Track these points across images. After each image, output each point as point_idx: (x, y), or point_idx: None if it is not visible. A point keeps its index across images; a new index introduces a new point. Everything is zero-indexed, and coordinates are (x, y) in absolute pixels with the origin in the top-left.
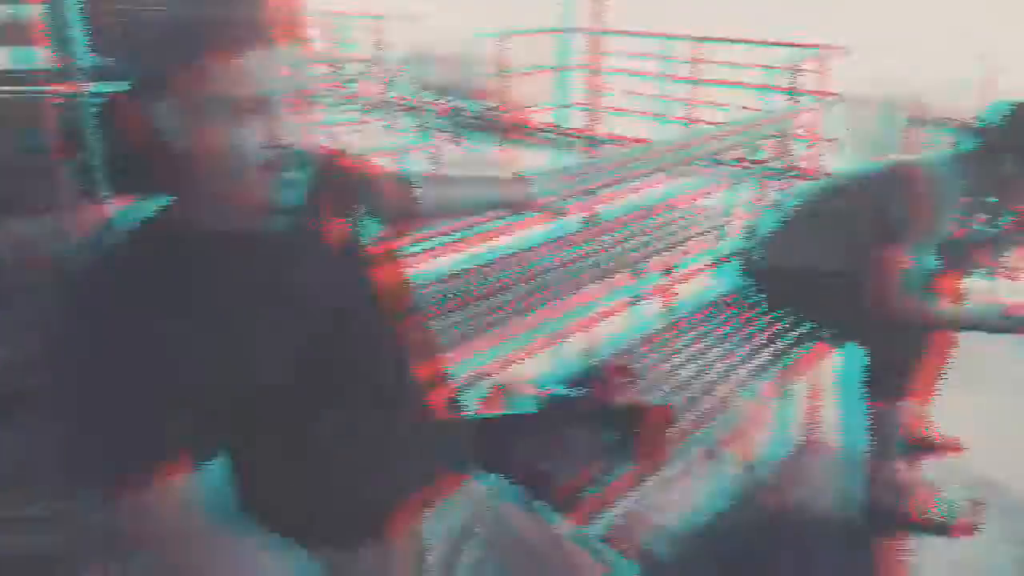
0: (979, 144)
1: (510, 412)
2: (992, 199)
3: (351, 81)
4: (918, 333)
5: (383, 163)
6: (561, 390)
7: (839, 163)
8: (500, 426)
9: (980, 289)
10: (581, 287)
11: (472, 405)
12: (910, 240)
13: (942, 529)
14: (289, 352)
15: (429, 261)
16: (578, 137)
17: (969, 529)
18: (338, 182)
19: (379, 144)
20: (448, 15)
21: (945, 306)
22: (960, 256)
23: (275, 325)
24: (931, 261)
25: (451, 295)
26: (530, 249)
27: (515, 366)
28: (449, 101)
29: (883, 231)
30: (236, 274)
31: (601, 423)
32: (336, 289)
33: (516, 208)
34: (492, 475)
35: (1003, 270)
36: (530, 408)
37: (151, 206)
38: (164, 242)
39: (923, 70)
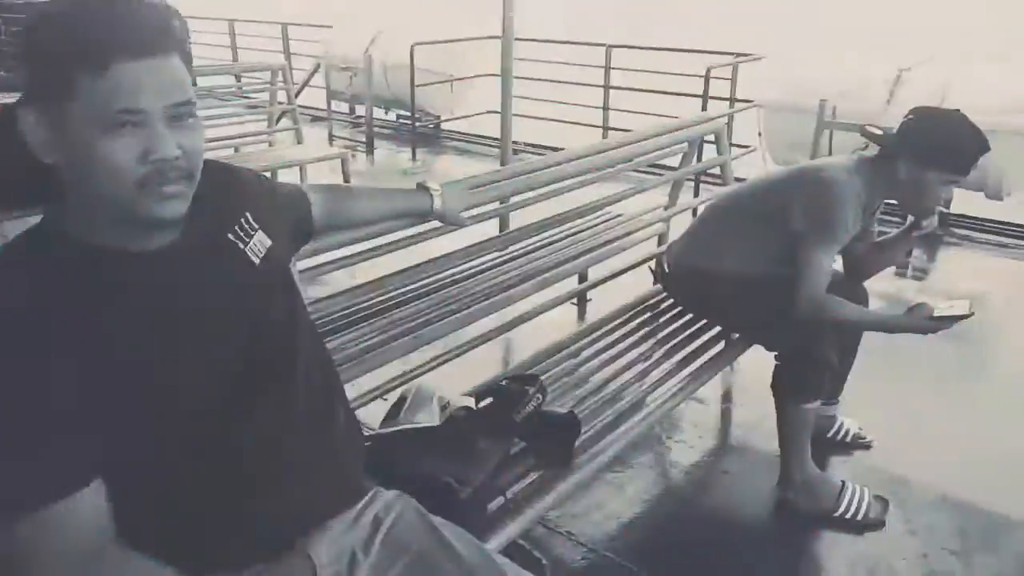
0: (879, 149)
1: (416, 425)
2: (892, 202)
3: (259, 90)
4: (827, 333)
5: (291, 173)
6: (468, 401)
7: (753, 168)
8: (405, 439)
9: (889, 290)
10: (494, 296)
11: (378, 418)
12: (817, 242)
13: (852, 525)
14: (190, 370)
15: (335, 273)
16: (495, 145)
17: (877, 525)
18: (226, 195)
19: (288, 154)
20: (360, 22)
21: (853, 306)
22: (867, 257)
23: (167, 343)
24: (839, 262)
25: (358, 308)
26: (440, 259)
27: (423, 379)
28: (365, 109)
29: (791, 234)
30: (119, 292)
31: (508, 433)
32: (230, 302)
33: (421, 218)
34: (395, 489)
35: (910, 271)
36: (437, 420)
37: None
38: (41, 260)
39: (836, 76)
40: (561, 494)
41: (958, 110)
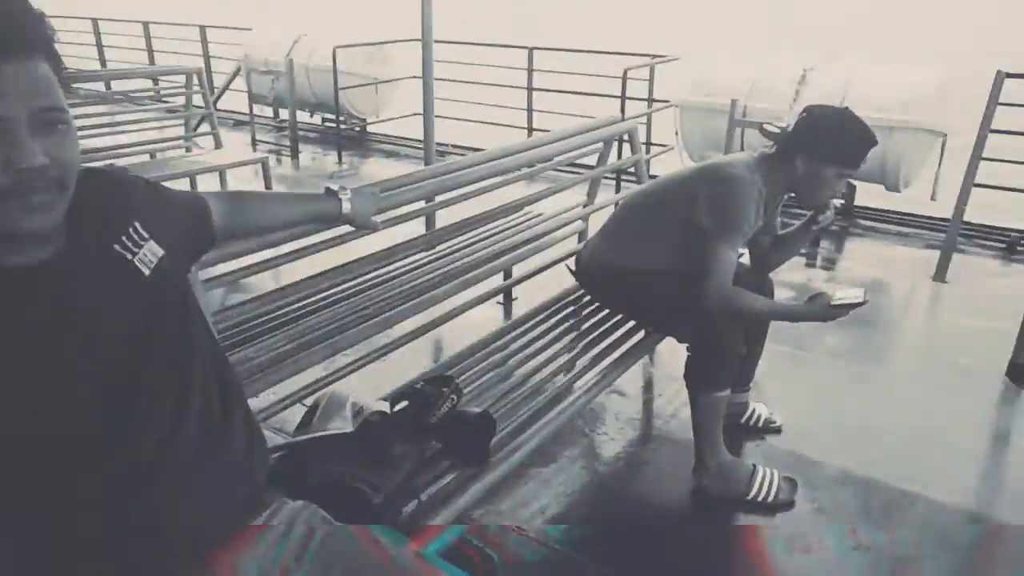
0: (777, 146)
1: (329, 432)
2: (790, 196)
3: (177, 94)
4: (735, 323)
5: (211, 179)
6: (384, 406)
7: (672, 166)
8: (317, 447)
9: (800, 279)
10: (418, 297)
11: (293, 425)
12: (722, 237)
13: (764, 507)
14: (69, 389)
15: (253, 278)
16: (418, 147)
17: (787, 505)
18: (113, 204)
19: (207, 159)
20: (279, 25)
21: (758, 297)
22: (771, 250)
23: (48, 361)
24: (744, 255)
25: (274, 314)
26: (361, 261)
27: (337, 384)
28: (286, 112)
29: (697, 230)
30: None
31: (423, 435)
32: (117, 316)
33: (329, 223)
34: (307, 498)
35: (819, 261)
36: (350, 426)
37: None
38: None
39: (746, 76)
40: (477, 493)
41: (847, 108)
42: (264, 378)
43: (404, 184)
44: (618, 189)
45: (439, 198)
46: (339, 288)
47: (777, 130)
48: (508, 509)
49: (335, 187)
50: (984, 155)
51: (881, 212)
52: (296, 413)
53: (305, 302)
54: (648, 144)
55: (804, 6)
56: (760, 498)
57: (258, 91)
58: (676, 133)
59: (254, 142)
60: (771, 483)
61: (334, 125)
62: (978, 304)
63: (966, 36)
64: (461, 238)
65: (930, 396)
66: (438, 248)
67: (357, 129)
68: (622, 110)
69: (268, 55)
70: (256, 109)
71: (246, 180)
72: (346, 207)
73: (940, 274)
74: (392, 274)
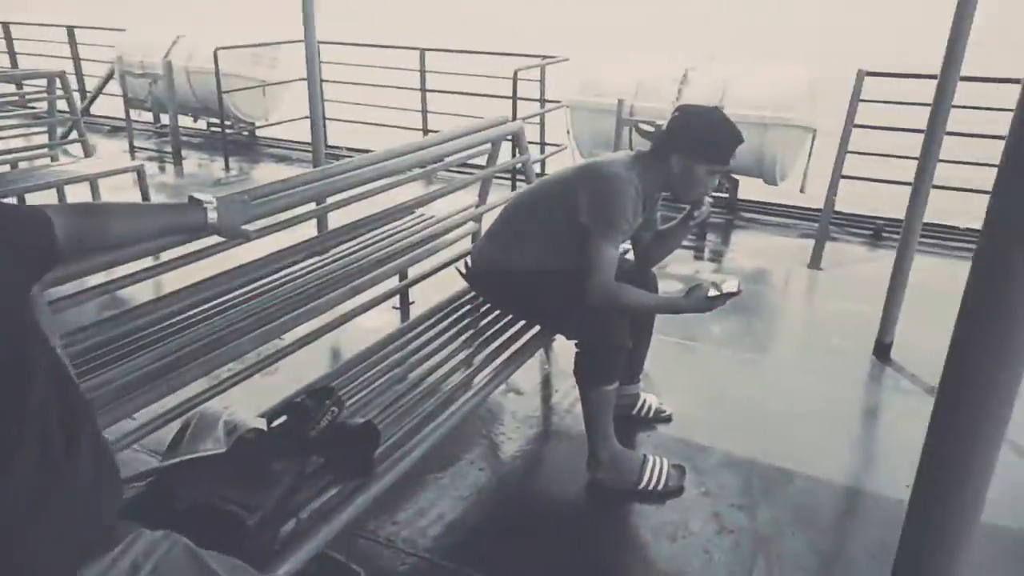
0: (652, 145)
1: (200, 454)
2: (667, 193)
3: (39, 99)
4: (620, 318)
5: (80, 189)
6: (261, 423)
7: (560, 166)
8: (187, 470)
9: (689, 272)
10: (307, 304)
11: (162, 447)
12: (603, 235)
13: (655, 495)
14: None
15: (129, 290)
16: (307, 150)
17: (677, 492)
18: None
19: (75, 169)
20: (156, 26)
21: (640, 292)
22: (653, 245)
23: None
24: (627, 252)
25: (148, 328)
26: (245, 267)
27: (212, 402)
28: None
29: (579, 228)
30: None
31: (303, 451)
32: None
33: (194, 234)
34: (175, 525)
35: (707, 253)
36: (224, 446)
37: None
38: None
39: (632, 76)
40: (361, 506)
41: (716, 108)
42: (137, 397)
43: (290, 187)
44: (514, 189)
45: (331, 200)
46: (223, 297)
47: (652, 129)
48: (405, 518)
49: (199, 195)
50: (850, 149)
51: (762, 204)
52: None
53: (187, 313)
54: (542, 144)
55: (682, 8)
56: (651, 487)
57: (135, 95)
58: (568, 133)
59: (132, 149)
60: (661, 471)
61: (220, 130)
62: (848, 288)
63: (837, 37)
64: (353, 241)
65: (807, 378)
66: (330, 252)
67: (245, 134)
68: (513, 111)
69: (144, 57)
70: (134, 114)
71: (122, 190)
72: (212, 216)
73: (815, 261)
74: (281, 280)
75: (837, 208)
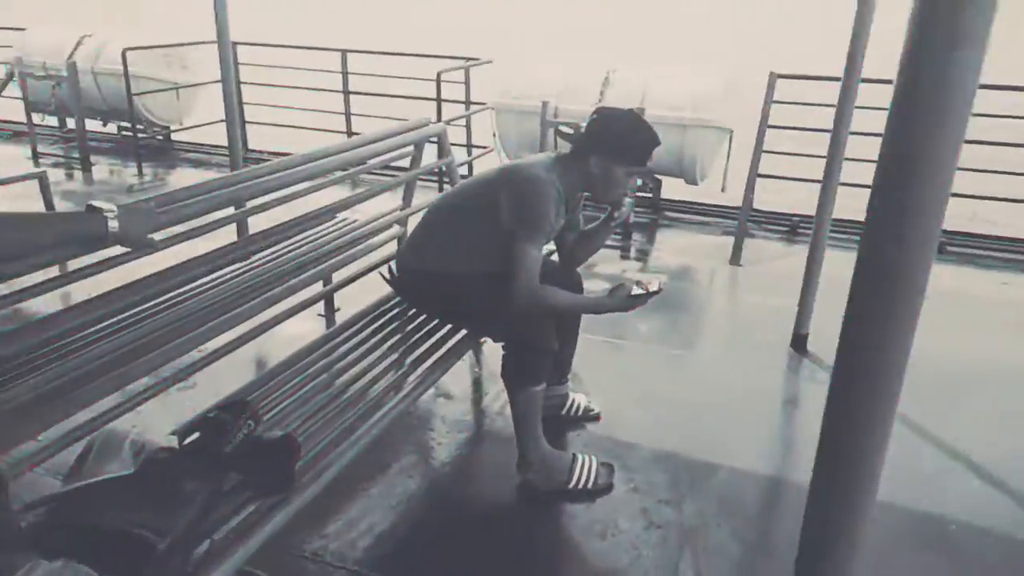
0: (572, 147)
1: (106, 476)
2: (587, 194)
3: None
4: (545, 320)
5: None
6: (172, 441)
7: (484, 168)
8: (91, 494)
9: (616, 271)
10: (226, 313)
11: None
12: (525, 237)
13: (585, 494)
14: None
15: (34, 301)
16: (226, 154)
17: (606, 489)
18: None
19: None
20: (59, 25)
21: (564, 293)
22: (576, 246)
23: None
24: (552, 253)
25: (54, 343)
26: (157, 277)
27: (118, 422)
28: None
29: (501, 231)
30: None
31: (218, 468)
32: None
33: (93, 245)
34: (80, 554)
35: (633, 253)
36: (131, 467)
37: None
38: None
39: (556, 77)
40: (281, 522)
41: (632, 110)
42: (40, 416)
43: (206, 192)
44: (440, 191)
45: (251, 204)
46: (136, 308)
47: (571, 131)
48: (333, 531)
49: (99, 203)
50: (765, 148)
51: (685, 204)
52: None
53: (96, 326)
54: (469, 146)
55: (605, 10)
56: (581, 486)
57: (37, 98)
58: (494, 135)
59: (35, 155)
60: (590, 470)
61: (131, 134)
62: (767, 283)
63: (754, 39)
64: (275, 247)
65: (730, 371)
66: (251, 259)
67: (159, 138)
68: (438, 113)
69: (47, 58)
70: (37, 118)
71: (25, 198)
72: (113, 225)
73: (735, 258)
74: (198, 289)
75: (758, 206)
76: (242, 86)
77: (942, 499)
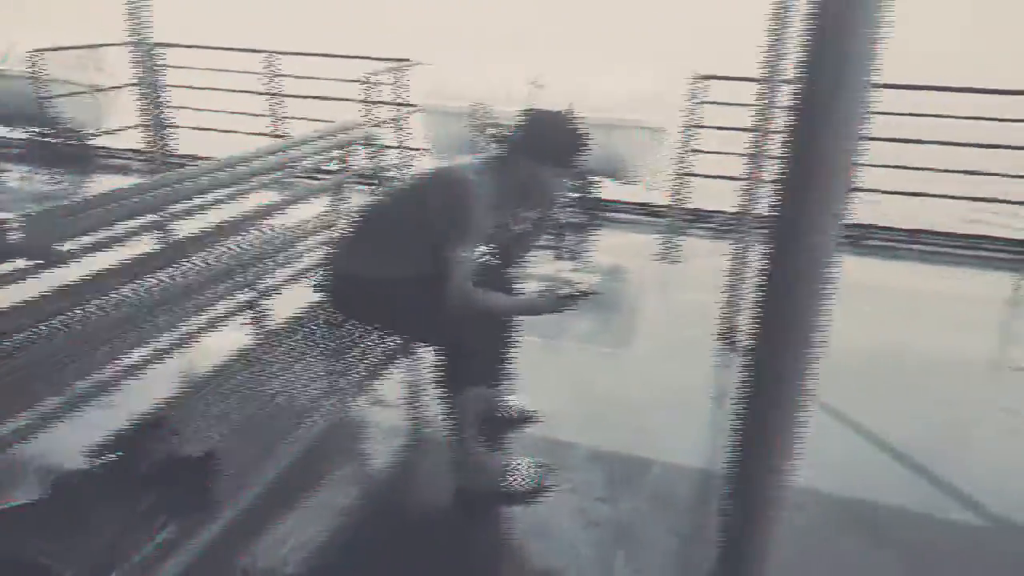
0: (503, 149)
1: (11, 503)
2: (518, 197)
3: None
4: (477, 323)
5: None
6: (83, 461)
7: (415, 171)
8: None
9: (550, 272)
10: (144, 325)
11: None
12: (456, 240)
13: (522, 496)
14: None
15: None
16: (144, 158)
17: (543, 490)
18: None
19: None
20: None
21: (497, 295)
22: (509, 248)
23: None
24: (483, 256)
25: None
26: (69, 290)
27: (34, 442)
28: None
29: (431, 234)
30: None
31: (134, 489)
32: None
33: None
34: None
35: (566, 253)
36: (38, 493)
37: None
38: None
39: (487, 78)
40: (203, 542)
41: (561, 111)
42: None
43: (117, 199)
44: (370, 195)
45: (174, 210)
46: (46, 323)
47: (501, 133)
48: (263, 547)
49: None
50: (698, 149)
51: (619, 203)
52: None
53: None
54: (402, 148)
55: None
56: (518, 488)
57: None
58: (425, 137)
59: None
60: (527, 472)
61: (45, 139)
62: (697, 280)
63: (685, 40)
64: (199, 255)
65: (664, 368)
66: (173, 267)
67: (76, 143)
68: (368, 115)
69: None
70: None
71: None
72: (13, 237)
73: (667, 256)
74: (116, 300)
75: (696, 205)
76: (171, 89)
77: (868, 484)
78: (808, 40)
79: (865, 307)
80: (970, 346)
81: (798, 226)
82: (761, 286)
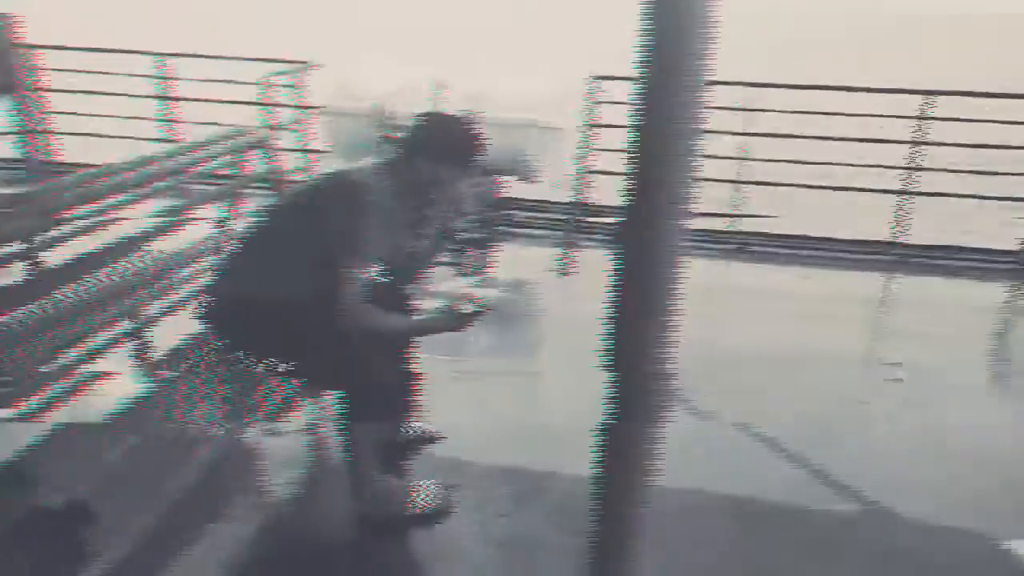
0: (400, 150)
1: None
2: (417, 199)
3: None
4: (373, 351)
5: None
6: None
7: (312, 175)
8: None
9: (451, 288)
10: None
11: None
12: (351, 254)
13: (426, 519)
14: None
15: None
16: (24, 166)
17: (447, 511)
18: None
19: None
20: None
21: (391, 315)
22: (408, 263)
23: None
24: (379, 273)
25: None
26: None
27: None
28: None
29: (324, 248)
30: None
31: None
32: None
33: None
34: None
35: (468, 268)
36: None
37: None
38: None
39: (389, 79)
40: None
41: (455, 113)
42: None
43: None
44: (267, 201)
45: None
46: None
47: (399, 135)
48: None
49: None
50: (597, 147)
51: (518, 216)
52: None
53: None
54: (306, 151)
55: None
56: (421, 510)
57: None
58: (327, 139)
59: None
60: (429, 494)
61: None
62: (596, 291)
63: (589, 40)
64: (74, 281)
65: (566, 381)
66: (45, 297)
67: None
68: (265, 118)
69: None
70: None
71: None
72: None
73: (566, 269)
74: None
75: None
76: (51, 94)
77: (754, 481)
78: (645, 38)
79: (749, 310)
80: (840, 343)
81: (640, 230)
82: (615, 283)
